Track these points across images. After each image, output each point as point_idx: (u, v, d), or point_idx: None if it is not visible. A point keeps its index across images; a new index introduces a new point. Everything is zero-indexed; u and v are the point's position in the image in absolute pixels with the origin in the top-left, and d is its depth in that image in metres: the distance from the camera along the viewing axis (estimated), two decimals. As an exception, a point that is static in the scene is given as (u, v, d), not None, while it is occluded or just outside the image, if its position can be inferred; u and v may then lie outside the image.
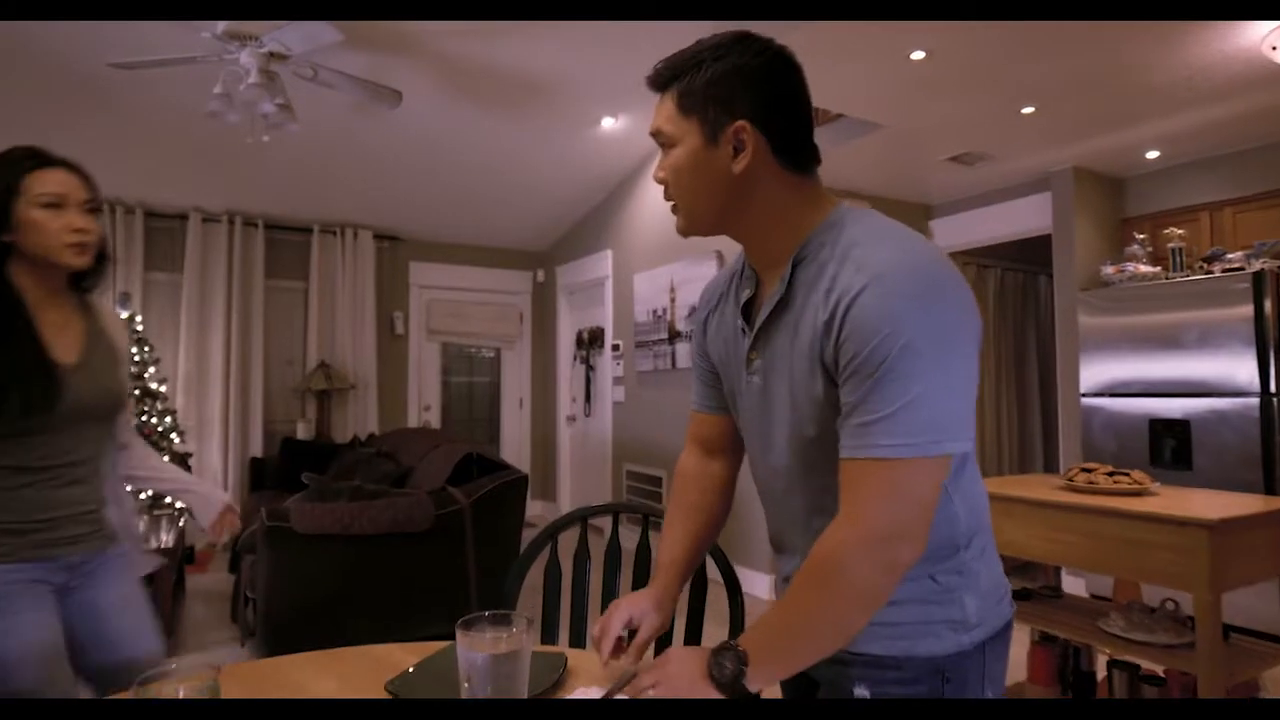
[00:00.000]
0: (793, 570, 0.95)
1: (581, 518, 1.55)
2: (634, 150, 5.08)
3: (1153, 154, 3.84)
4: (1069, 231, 4.03)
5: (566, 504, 6.38)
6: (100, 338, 1.42)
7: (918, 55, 2.82)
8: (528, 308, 6.75)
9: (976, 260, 5.03)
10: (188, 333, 5.29)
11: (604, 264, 5.73)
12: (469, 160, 5.07)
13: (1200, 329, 3.38)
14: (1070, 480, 2.13)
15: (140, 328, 4.69)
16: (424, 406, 6.28)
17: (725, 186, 0.90)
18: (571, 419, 6.33)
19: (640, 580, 1.47)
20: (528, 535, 5.89)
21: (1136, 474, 2.07)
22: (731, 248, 4.47)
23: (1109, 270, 3.83)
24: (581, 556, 1.53)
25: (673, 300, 4.82)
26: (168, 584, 3.17)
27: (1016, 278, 5.37)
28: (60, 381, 1.29)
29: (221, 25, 3.13)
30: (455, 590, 3.15)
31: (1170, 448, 3.47)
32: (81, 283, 1.42)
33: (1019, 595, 2.43)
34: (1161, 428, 3.50)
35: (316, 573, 2.87)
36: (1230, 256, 3.48)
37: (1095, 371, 3.77)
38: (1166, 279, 3.59)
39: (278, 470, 4.95)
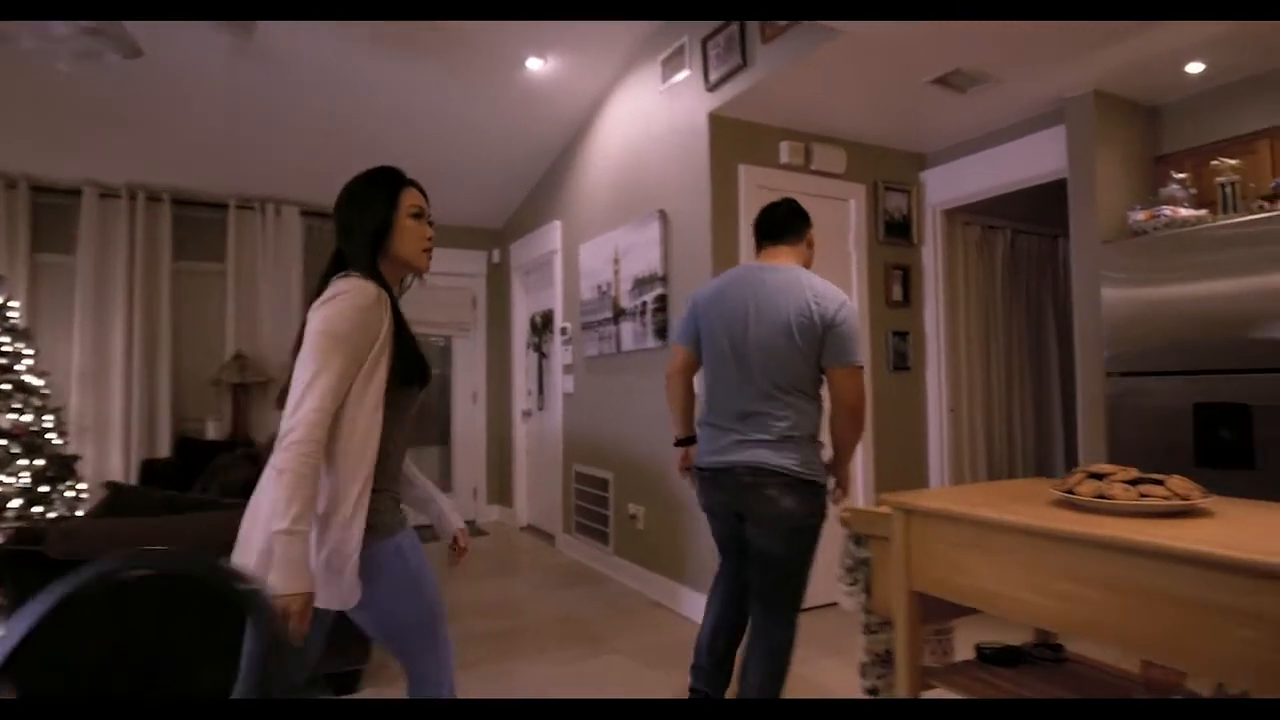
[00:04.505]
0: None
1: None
2: (576, 102, 4.38)
3: (1195, 66, 3.03)
4: (1089, 171, 3.23)
5: (524, 510, 5.70)
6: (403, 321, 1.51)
7: (865, -91, 2.07)
8: (482, 291, 6.07)
9: (981, 220, 4.23)
10: (83, 322, 4.70)
11: (553, 236, 5.03)
12: (395, 121, 4.41)
13: (1263, 282, 2.57)
14: (1070, 493, 1.38)
15: (14, 315, 4.11)
16: (364, 402, 5.63)
17: None
18: (527, 414, 5.64)
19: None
20: (482, 545, 5.22)
21: (1176, 481, 1.31)
22: (678, 208, 3.77)
23: (1139, 216, 3.03)
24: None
25: (616, 272, 4.10)
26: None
27: (1031, 242, 4.55)
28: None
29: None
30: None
31: (1225, 442, 2.67)
32: (405, 283, 1.59)
33: (996, 658, 1.67)
34: (1212, 415, 2.71)
35: (88, 616, 2.21)
36: (1301, 189, 2.67)
37: (1124, 343, 2.98)
38: (1215, 223, 2.79)
39: (174, 475, 4.34)
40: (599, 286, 4.30)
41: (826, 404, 2.06)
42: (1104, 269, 3.04)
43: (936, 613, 1.68)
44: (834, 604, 2.54)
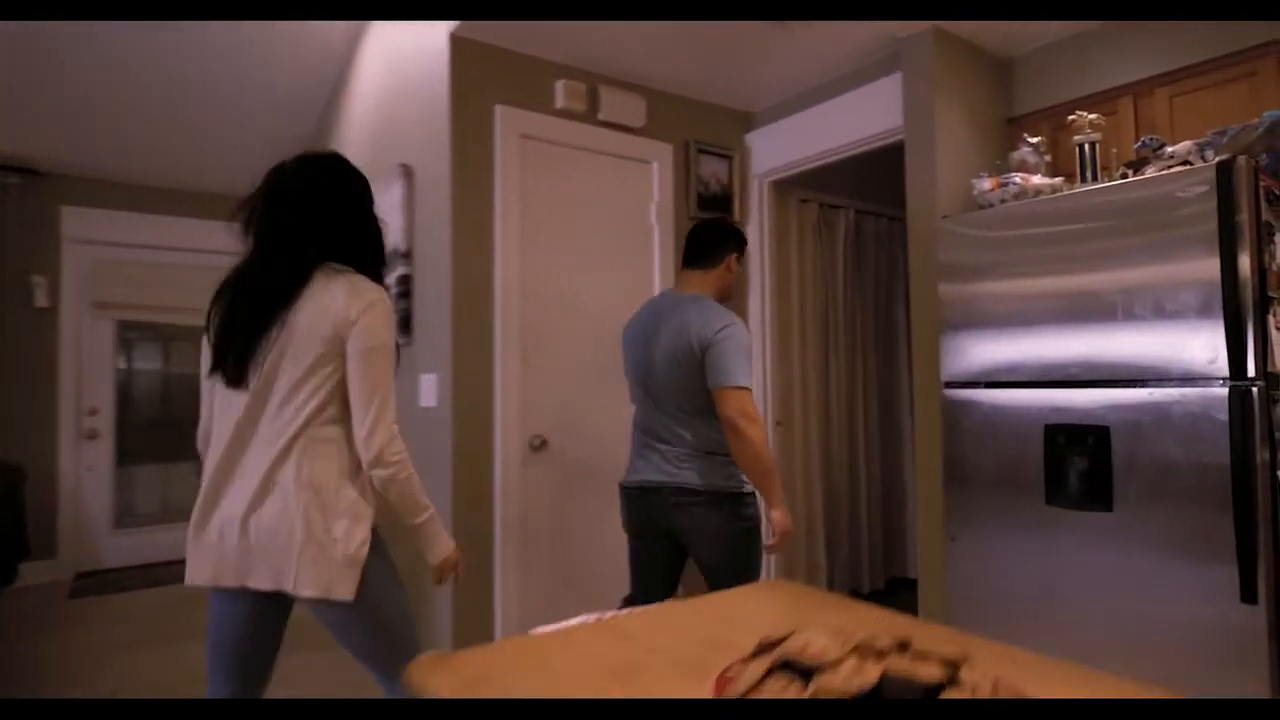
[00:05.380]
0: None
1: None
2: (332, 34, 3.43)
3: (1050, 2, 2.42)
4: (927, 126, 2.59)
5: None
6: None
7: None
8: (256, 274, 5.00)
9: (819, 197, 3.58)
10: None
11: (318, 206, 4.04)
12: (114, 70, 3.32)
13: (1128, 272, 1.96)
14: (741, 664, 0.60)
15: None
16: (88, 410, 4.48)
17: None
18: (302, 425, 4.63)
19: None
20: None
21: (947, 662, 0.55)
22: (424, 162, 2.90)
23: (985, 185, 2.40)
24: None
25: (365, 247, 3.18)
26: None
27: (879, 225, 3.95)
28: None
29: None
30: None
31: (1079, 471, 2.05)
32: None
33: None
34: (1064, 438, 2.09)
35: None
36: (1172, 151, 2.09)
37: (965, 346, 2.34)
38: (1072, 191, 2.18)
39: None
40: (352, 266, 3.37)
41: None
42: (942, 252, 2.40)
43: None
44: None
